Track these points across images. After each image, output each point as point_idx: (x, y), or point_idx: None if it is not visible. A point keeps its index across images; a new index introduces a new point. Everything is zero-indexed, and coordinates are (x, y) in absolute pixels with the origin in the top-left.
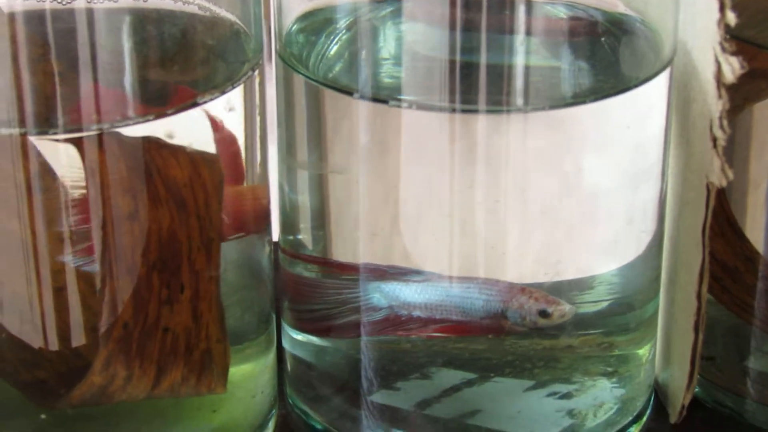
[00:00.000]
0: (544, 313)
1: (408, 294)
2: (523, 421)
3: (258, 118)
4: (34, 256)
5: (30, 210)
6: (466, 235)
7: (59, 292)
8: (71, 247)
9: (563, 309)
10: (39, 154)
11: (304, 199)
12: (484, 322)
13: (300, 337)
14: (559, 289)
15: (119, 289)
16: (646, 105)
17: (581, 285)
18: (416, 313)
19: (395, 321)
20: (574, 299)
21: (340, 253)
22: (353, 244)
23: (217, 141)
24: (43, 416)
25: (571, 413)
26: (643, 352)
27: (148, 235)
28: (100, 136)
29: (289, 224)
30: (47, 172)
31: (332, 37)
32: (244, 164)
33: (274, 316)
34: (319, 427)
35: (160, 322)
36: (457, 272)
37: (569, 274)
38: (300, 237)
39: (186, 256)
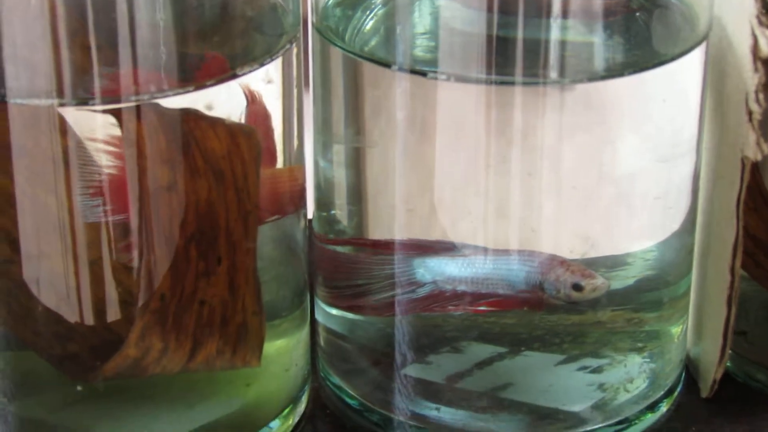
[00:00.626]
0: (577, 287)
1: (452, 268)
2: (554, 394)
3: (295, 91)
4: (70, 230)
5: (67, 183)
6: (499, 209)
7: (94, 266)
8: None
9: (595, 283)
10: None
11: (340, 175)
12: (522, 295)
13: (333, 311)
14: (592, 266)
15: (157, 261)
16: (682, 79)
17: (614, 261)
18: (461, 287)
19: (439, 297)
20: (607, 276)
21: (376, 229)
22: (389, 220)
23: (250, 115)
24: (79, 388)
25: (601, 387)
26: (675, 328)
27: (186, 206)
28: (138, 108)
29: (324, 201)
30: (84, 145)
31: (368, 12)
32: (276, 141)
33: (308, 292)
34: (351, 400)
35: (196, 294)
36: (492, 246)
37: (602, 250)
38: (335, 213)
39: (224, 227)
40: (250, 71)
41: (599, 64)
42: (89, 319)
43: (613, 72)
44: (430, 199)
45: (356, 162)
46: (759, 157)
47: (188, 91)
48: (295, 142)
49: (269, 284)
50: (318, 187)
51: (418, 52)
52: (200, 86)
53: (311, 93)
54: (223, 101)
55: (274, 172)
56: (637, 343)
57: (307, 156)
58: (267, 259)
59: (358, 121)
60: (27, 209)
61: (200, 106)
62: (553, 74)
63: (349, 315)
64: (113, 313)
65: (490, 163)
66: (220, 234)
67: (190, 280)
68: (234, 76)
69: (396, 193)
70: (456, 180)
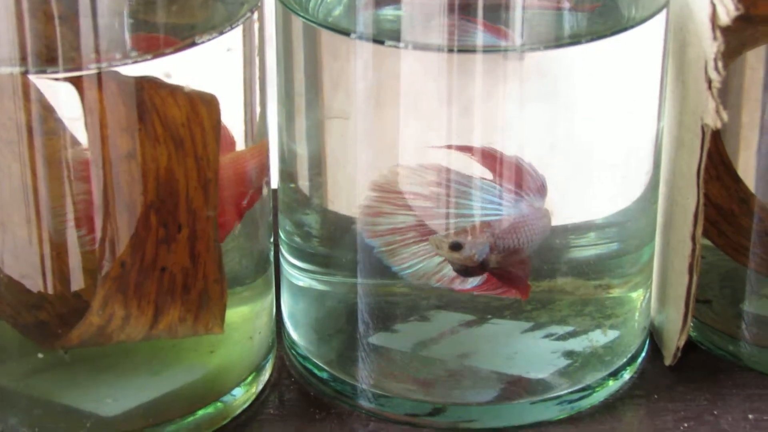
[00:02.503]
0: (455, 246)
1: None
2: (519, 361)
3: (257, 60)
4: (34, 198)
5: (31, 151)
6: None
7: (59, 234)
8: (71, 188)
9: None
10: (40, 94)
11: (302, 146)
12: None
13: (299, 282)
14: (555, 233)
15: (117, 229)
16: (642, 47)
17: (576, 230)
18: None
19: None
20: (571, 243)
21: (335, 201)
22: (349, 192)
23: None
24: (40, 355)
25: (566, 354)
26: (638, 295)
27: (146, 174)
28: (99, 75)
29: (287, 172)
30: (48, 112)
31: None
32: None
33: (272, 261)
34: (316, 369)
35: (157, 261)
36: (454, 211)
37: (563, 218)
38: (299, 184)
39: (183, 195)
40: (209, 39)
41: (560, 30)
42: (53, 288)
43: (573, 39)
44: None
45: (318, 133)
46: (718, 125)
47: (146, 59)
48: (258, 110)
49: (231, 253)
50: (282, 159)
51: (381, 20)
52: (159, 54)
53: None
54: (181, 69)
55: (236, 154)
56: (603, 310)
57: (271, 126)
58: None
59: (318, 92)
60: None
61: (159, 75)
62: (514, 41)
63: (315, 285)
64: (77, 282)
65: (452, 130)
66: (180, 201)
67: (151, 248)
68: (193, 44)
69: (356, 165)
70: (417, 148)
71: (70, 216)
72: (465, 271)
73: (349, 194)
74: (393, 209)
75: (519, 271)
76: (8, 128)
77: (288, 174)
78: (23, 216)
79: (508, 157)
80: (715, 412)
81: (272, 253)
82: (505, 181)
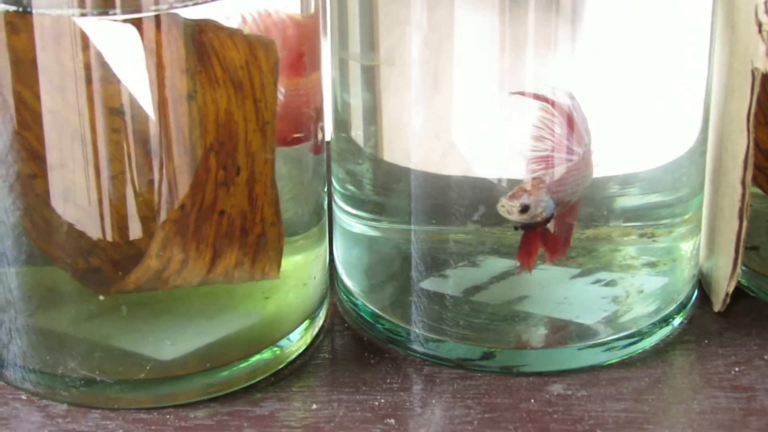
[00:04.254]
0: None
1: None
2: (569, 306)
3: (313, 2)
4: (92, 143)
5: (88, 96)
6: (512, 124)
7: (116, 180)
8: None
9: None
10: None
11: (356, 95)
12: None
13: (353, 229)
14: (604, 183)
15: (177, 171)
16: None
17: (625, 179)
18: None
19: None
20: (619, 192)
21: (391, 150)
22: (404, 142)
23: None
24: (101, 297)
25: (615, 300)
26: (687, 244)
27: (206, 116)
28: (158, 17)
29: (341, 121)
30: (103, 57)
31: None
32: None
33: (326, 209)
34: (368, 316)
35: (216, 204)
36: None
37: (612, 168)
38: (352, 135)
39: (243, 138)
40: None
41: None
42: (111, 235)
43: None
44: (443, 119)
45: (371, 82)
46: None
47: (207, 2)
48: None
49: (287, 203)
50: (335, 109)
51: None
52: None
53: (329, 11)
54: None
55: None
56: (650, 258)
57: (326, 77)
58: (285, 178)
59: (373, 40)
60: (50, 124)
61: (220, 18)
62: None
63: (368, 231)
64: (135, 228)
65: (503, 80)
66: (239, 144)
67: (210, 190)
68: None
69: (409, 115)
70: (468, 99)
71: (126, 162)
72: (528, 226)
73: (402, 143)
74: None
75: (568, 225)
76: (67, 73)
77: (342, 123)
78: (81, 161)
79: (560, 104)
80: (766, 357)
81: (326, 201)
82: (558, 128)
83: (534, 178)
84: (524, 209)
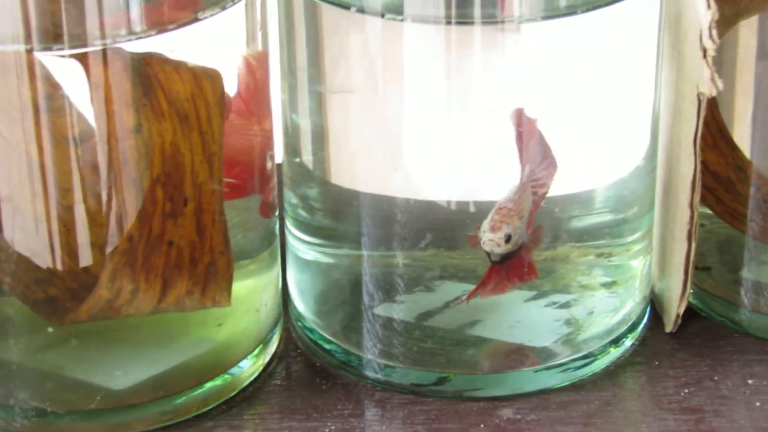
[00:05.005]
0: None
1: None
2: (522, 330)
3: (260, 35)
4: (41, 174)
5: (37, 127)
6: (461, 147)
7: (67, 210)
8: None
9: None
10: (46, 71)
11: (305, 120)
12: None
13: (305, 255)
14: (554, 203)
15: (125, 202)
16: (638, 17)
17: (576, 199)
18: None
19: None
20: (570, 212)
21: (339, 175)
22: (351, 166)
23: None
24: (50, 329)
25: (568, 322)
26: (639, 263)
27: (152, 149)
28: (104, 52)
29: (292, 145)
30: (54, 88)
31: None
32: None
33: (278, 235)
34: (322, 341)
35: (164, 235)
36: (454, 184)
37: (562, 188)
38: (303, 159)
39: (189, 169)
40: (212, 15)
41: (556, 1)
42: (62, 264)
43: (570, 10)
44: (391, 143)
45: (320, 108)
46: (714, 93)
47: (150, 35)
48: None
49: (235, 229)
50: (286, 133)
51: None
52: (162, 30)
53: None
54: (185, 46)
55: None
56: (605, 278)
57: (275, 101)
58: (231, 205)
59: (320, 66)
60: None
61: (163, 51)
62: (512, 12)
63: (321, 258)
64: (87, 257)
65: (450, 105)
66: (185, 175)
67: (158, 222)
68: (196, 20)
69: (358, 139)
70: (416, 123)
71: (78, 192)
72: (507, 257)
73: (350, 167)
74: None
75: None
76: (14, 106)
77: (292, 148)
78: (31, 193)
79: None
80: (715, 378)
81: (277, 226)
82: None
83: (500, 207)
84: (508, 239)
